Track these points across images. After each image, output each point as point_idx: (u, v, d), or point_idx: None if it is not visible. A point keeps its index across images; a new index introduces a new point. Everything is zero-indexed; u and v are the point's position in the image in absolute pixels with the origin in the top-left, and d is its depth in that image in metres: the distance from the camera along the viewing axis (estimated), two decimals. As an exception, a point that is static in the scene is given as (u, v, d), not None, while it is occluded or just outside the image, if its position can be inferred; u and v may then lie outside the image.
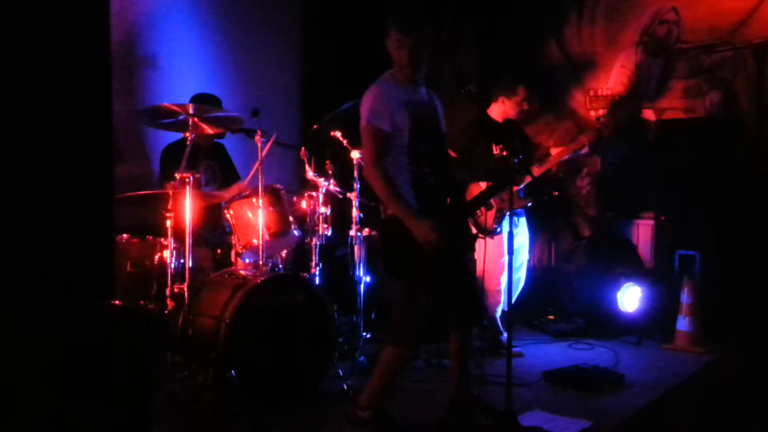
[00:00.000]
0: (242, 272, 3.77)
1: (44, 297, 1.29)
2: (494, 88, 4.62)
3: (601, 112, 4.46)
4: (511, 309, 3.73)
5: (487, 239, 4.34)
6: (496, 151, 4.43)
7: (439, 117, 3.06)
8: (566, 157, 4.43)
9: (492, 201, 4.35)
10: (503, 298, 4.55)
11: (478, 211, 4.40)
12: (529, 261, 4.86)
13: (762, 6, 5.04)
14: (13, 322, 1.24)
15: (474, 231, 4.40)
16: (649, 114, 5.69)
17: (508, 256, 3.17)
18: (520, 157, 4.39)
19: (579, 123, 5.92)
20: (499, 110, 4.55)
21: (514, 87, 4.50)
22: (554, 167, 4.43)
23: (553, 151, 4.54)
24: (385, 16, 2.90)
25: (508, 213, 4.42)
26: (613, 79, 5.87)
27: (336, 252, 4.90)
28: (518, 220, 4.56)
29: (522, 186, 4.39)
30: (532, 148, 4.73)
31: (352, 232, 4.17)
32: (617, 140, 5.83)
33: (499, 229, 4.33)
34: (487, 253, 4.29)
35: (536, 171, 4.34)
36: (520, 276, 4.69)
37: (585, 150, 4.44)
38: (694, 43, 5.40)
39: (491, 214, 4.37)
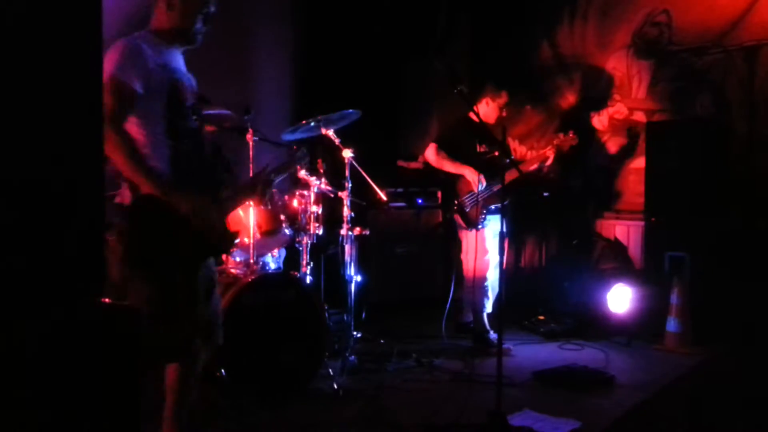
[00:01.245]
0: (233, 270, 3.77)
1: (32, 294, 1.28)
2: (482, 88, 4.77)
3: (570, 134, 4.64)
4: (501, 308, 3.74)
5: (470, 234, 4.46)
6: (479, 149, 4.55)
7: (194, 93, 2.65)
8: (531, 168, 4.65)
9: (480, 197, 4.51)
10: (491, 294, 4.61)
11: (466, 205, 4.51)
12: (519, 262, 4.90)
13: (752, 10, 5.07)
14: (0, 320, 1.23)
15: (462, 223, 4.53)
16: (639, 116, 5.72)
17: (500, 256, 3.20)
18: (512, 158, 4.46)
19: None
20: (482, 111, 4.67)
21: (500, 90, 4.71)
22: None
23: (529, 155, 4.83)
24: None
25: (486, 211, 4.50)
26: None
27: (327, 251, 4.90)
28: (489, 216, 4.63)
29: (486, 186, 4.53)
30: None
31: (343, 231, 4.17)
32: (608, 141, 5.88)
33: (483, 222, 4.52)
34: (470, 249, 4.39)
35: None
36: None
37: (549, 162, 4.67)
38: (686, 46, 5.43)
39: (478, 209, 4.47)
